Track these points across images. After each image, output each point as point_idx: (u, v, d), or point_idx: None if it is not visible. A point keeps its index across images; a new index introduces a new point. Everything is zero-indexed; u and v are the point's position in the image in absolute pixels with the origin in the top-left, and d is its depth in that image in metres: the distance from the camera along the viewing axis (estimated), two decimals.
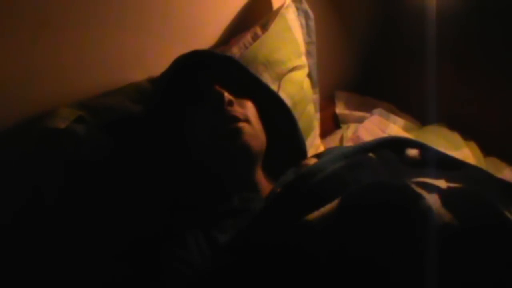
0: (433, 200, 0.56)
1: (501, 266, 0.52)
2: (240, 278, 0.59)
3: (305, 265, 0.55)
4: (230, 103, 0.78)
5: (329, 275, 0.53)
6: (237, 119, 0.77)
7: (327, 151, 0.93)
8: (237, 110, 0.79)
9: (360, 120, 1.32)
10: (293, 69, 1.08)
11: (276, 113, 0.90)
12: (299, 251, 0.56)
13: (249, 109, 0.82)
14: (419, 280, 0.50)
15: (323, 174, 0.68)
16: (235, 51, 1.02)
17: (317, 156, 0.90)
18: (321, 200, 0.60)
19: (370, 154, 0.77)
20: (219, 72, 0.85)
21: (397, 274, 0.51)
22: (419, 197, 0.56)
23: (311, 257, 0.55)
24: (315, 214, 0.58)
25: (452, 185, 0.63)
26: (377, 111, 1.34)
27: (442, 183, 0.63)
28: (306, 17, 1.15)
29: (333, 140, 1.28)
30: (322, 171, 0.69)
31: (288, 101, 1.03)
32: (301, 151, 0.92)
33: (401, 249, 0.52)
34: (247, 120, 0.79)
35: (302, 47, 1.12)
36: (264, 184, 0.82)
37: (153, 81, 0.95)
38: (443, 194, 0.58)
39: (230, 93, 0.79)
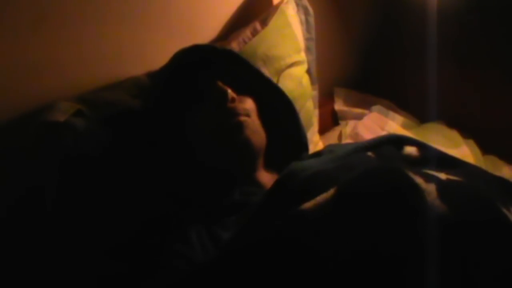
0: (430, 189, 0.56)
1: (495, 260, 0.52)
2: (235, 274, 0.59)
3: (301, 256, 0.54)
4: (233, 100, 0.79)
5: (326, 266, 0.53)
6: (239, 113, 0.78)
7: (328, 148, 0.93)
8: (238, 105, 0.80)
9: (359, 117, 1.32)
10: (292, 64, 1.07)
11: (277, 106, 0.90)
12: (294, 242, 0.56)
13: (249, 105, 0.82)
14: (421, 269, 0.50)
15: (312, 170, 0.68)
16: (234, 46, 1.02)
17: (317, 153, 0.90)
18: (312, 194, 0.59)
19: (370, 153, 0.77)
20: (220, 68, 0.85)
21: (400, 263, 0.51)
22: (415, 185, 0.56)
23: (307, 248, 0.55)
24: (309, 204, 0.58)
25: (451, 177, 0.63)
26: (376, 108, 1.35)
27: (442, 176, 0.64)
28: (306, 13, 1.15)
29: (332, 137, 1.28)
30: (310, 169, 0.69)
31: None
32: (303, 144, 0.92)
33: (403, 238, 0.52)
34: (247, 115, 0.80)
35: (302, 43, 1.12)
36: (266, 178, 0.82)
37: (152, 75, 0.95)
38: (440, 185, 0.58)
39: (232, 90, 0.80)
